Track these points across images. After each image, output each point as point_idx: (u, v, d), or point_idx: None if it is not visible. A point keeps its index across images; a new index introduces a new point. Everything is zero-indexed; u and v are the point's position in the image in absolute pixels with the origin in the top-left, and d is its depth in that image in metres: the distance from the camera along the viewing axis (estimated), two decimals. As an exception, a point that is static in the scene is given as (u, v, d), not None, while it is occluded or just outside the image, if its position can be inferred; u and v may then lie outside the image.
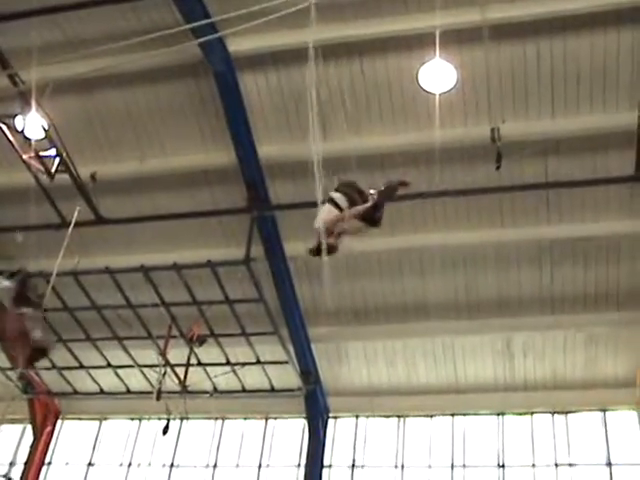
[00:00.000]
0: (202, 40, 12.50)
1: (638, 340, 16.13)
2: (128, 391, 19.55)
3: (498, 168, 13.28)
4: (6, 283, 13.97)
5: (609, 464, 16.35)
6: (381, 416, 18.27)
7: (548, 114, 14.06)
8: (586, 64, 13.47)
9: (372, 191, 8.47)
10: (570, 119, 14.03)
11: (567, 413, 17.15)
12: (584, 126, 14.01)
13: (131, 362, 18.62)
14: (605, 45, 13.23)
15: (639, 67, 12.82)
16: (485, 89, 13.47)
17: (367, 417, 18.40)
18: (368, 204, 8.30)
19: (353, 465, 17.92)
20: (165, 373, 17.28)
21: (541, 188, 14.53)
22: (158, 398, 16.69)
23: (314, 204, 15.46)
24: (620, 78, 13.51)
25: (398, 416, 18.14)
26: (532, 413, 17.37)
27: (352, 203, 8.35)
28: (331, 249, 8.10)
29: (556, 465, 16.65)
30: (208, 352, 17.75)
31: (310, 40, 8.67)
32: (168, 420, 16.72)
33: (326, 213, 8.41)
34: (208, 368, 18.23)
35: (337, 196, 8.52)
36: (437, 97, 13.11)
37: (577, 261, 15.69)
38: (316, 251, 8.06)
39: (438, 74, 12.74)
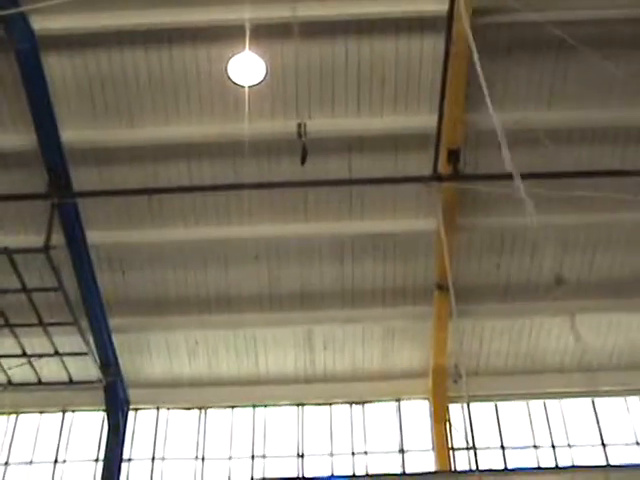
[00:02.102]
0: (2, 14, 11.99)
1: (430, 333, 16.91)
2: None
3: (303, 163, 13.55)
4: None
5: (402, 451, 17.09)
6: (182, 408, 18.16)
7: (354, 112, 14.47)
8: (391, 67, 14.00)
9: None
10: (374, 118, 14.54)
11: (364, 403, 17.74)
12: (387, 126, 14.58)
13: None
14: (409, 50, 13.81)
15: (439, 74, 13.41)
16: (294, 84, 13.69)
17: (168, 409, 18.24)
18: None
19: (153, 458, 17.71)
20: (-46, 365, 16.46)
21: (344, 184, 14.95)
22: (-55, 392, 15.89)
23: (116, 192, 15.36)
24: (422, 83, 14.15)
25: (199, 408, 18.10)
26: (331, 404, 17.82)
27: None
28: None
29: (353, 454, 17.18)
30: (2, 343, 17.01)
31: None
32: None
33: None
34: (2, 360, 17.47)
35: None
36: (246, 90, 13.18)
37: (377, 256, 16.24)
38: None
39: (247, 67, 12.79)
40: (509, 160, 8.91)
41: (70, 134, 14.62)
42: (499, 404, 17.59)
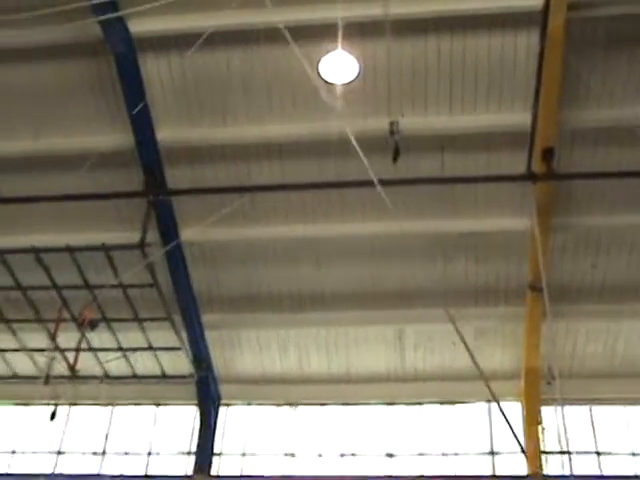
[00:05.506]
0: (102, 18, 12.33)
1: (522, 334, 16.62)
2: (15, 376, 19.08)
3: (395, 161, 13.53)
4: None
5: (492, 453, 16.85)
6: (273, 404, 18.31)
7: (446, 110, 14.33)
8: (484, 64, 13.80)
9: None
10: (467, 116, 14.35)
11: (455, 403, 17.56)
12: (480, 124, 14.37)
13: (19, 346, 18.19)
14: (502, 46, 13.59)
15: (534, 70, 13.20)
16: (386, 82, 13.62)
17: (259, 405, 18.42)
18: None
19: (244, 453, 17.92)
20: (54, 357, 16.95)
21: (437, 183, 14.81)
22: (46, 383, 16.35)
23: (211, 190, 15.59)
24: (516, 80, 13.91)
25: (290, 404, 18.23)
26: (421, 403, 17.68)
27: None
28: None
29: (443, 454, 17.04)
30: (99, 337, 17.48)
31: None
32: (56, 406, 16.41)
33: None
34: (99, 353, 17.95)
35: None
36: (338, 88, 13.21)
37: (468, 256, 16.04)
38: None
39: (340, 65, 12.81)
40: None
41: (165, 133, 14.94)
42: (594, 408, 17.15)
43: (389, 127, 13.61)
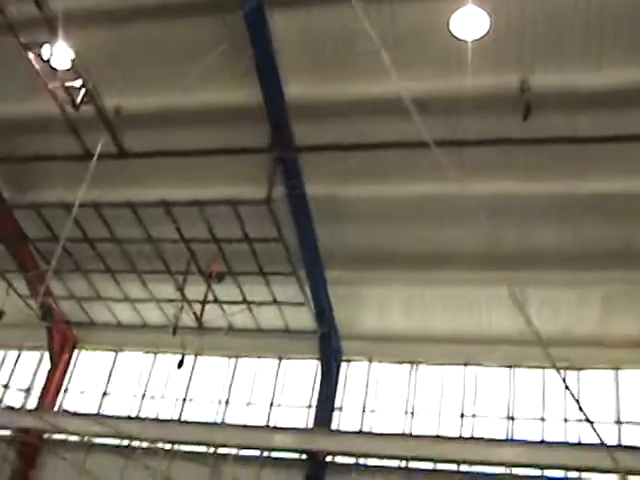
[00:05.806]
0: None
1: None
2: (144, 325, 19.79)
3: (526, 119, 13.12)
4: None
5: (618, 422, 16.40)
6: (394, 362, 18.38)
7: (581, 66, 13.70)
8: (624, 15, 13.01)
9: None
10: (604, 73, 13.66)
11: (579, 369, 17.12)
12: (618, 81, 13.66)
13: (149, 296, 18.82)
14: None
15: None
16: (517, 38, 13.22)
17: (380, 362, 18.51)
18: None
19: (364, 409, 18.08)
20: (182, 308, 17.46)
21: (568, 142, 14.25)
22: (174, 333, 16.87)
23: (337, 147, 15.46)
24: (660, 32, 13.17)
25: (411, 362, 18.24)
26: (544, 367, 17.27)
27: None
28: None
29: (565, 420, 16.71)
30: (225, 290, 17.88)
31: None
32: (183, 355, 16.93)
33: None
34: (224, 306, 18.38)
35: None
36: (469, 44, 12.86)
37: (599, 218, 15.46)
38: None
39: (471, 21, 12.45)
40: None
41: (293, 90, 14.92)
42: None
43: (520, 84, 13.18)
